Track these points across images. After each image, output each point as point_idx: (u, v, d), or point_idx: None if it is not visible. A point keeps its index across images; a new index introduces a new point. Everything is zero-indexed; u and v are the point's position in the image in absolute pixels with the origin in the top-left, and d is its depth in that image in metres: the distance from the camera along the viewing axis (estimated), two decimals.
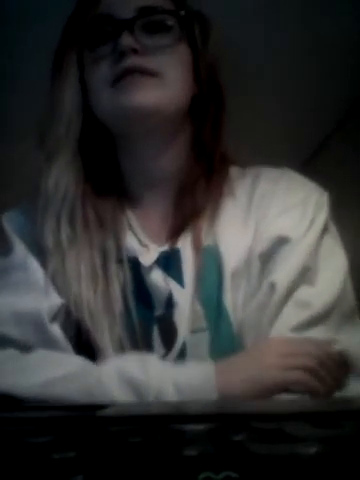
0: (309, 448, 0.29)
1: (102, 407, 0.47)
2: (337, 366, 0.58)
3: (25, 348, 0.65)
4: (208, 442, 0.31)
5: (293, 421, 0.36)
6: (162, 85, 0.69)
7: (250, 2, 0.82)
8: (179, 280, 0.69)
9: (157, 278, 0.70)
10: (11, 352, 0.64)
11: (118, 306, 0.67)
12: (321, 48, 0.90)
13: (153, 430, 0.34)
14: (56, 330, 0.65)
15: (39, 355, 0.63)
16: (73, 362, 0.62)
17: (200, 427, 0.34)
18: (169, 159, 0.74)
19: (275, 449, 0.29)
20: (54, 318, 0.66)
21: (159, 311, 0.69)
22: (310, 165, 1.13)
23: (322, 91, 0.99)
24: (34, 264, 0.69)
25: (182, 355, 0.67)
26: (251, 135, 0.74)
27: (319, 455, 0.28)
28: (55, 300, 0.67)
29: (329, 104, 1.02)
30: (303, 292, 0.65)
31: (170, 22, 0.71)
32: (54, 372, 0.59)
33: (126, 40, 0.67)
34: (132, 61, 0.68)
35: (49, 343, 0.65)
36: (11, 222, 0.74)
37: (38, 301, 0.66)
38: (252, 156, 0.77)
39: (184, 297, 0.68)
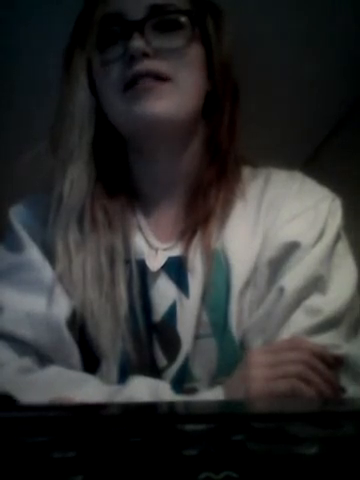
0: (309, 448, 0.29)
1: (102, 407, 0.47)
2: (328, 366, 0.57)
3: (42, 358, 0.65)
4: (208, 442, 0.31)
5: (293, 421, 0.36)
6: (175, 90, 0.67)
7: (251, 1, 0.82)
8: (185, 290, 0.68)
9: (162, 285, 0.69)
10: (28, 363, 0.64)
11: (123, 309, 0.66)
12: (322, 45, 0.90)
13: (153, 430, 0.34)
14: (69, 335, 0.65)
15: (56, 372, 0.62)
16: (91, 385, 0.61)
17: (200, 427, 0.34)
18: (182, 162, 0.73)
19: (275, 449, 0.29)
20: (67, 322, 0.66)
21: (158, 319, 0.68)
22: (311, 164, 1.13)
23: (324, 89, 0.99)
24: (47, 266, 0.69)
25: (185, 365, 0.66)
26: (252, 134, 0.73)
27: (319, 455, 0.28)
28: (68, 303, 0.67)
29: (331, 102, 1.02)
30: (314, 300, 0.64)
31: (182, 19, 0.69)
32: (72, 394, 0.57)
33: (137, 43, 0.65)
34: (143, 65, 0.66)
35: (62, 348, 0.65)
36: (20, 217, 0.73)
37: (53, 304, 0.66)
38: (253, 155, 0.77)
39: (188, 307, 0.67)
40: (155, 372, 0.66)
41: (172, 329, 0.67)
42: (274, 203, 0.71)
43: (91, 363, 0.66)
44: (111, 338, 0.65)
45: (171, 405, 0.53)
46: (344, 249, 0.69)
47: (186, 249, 0.70)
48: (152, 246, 0.71)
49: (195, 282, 0.68)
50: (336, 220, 0.69)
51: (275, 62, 0.92)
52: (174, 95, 0.67)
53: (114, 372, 0.66)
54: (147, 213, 0.74)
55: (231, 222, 0.71)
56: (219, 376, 0.65)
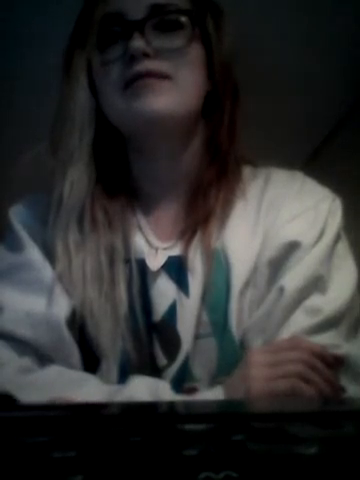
0: (309, 448, 0.29)
1: (102, 407, 0.47)
2: (328, 366, 0.58)
3: (42, 358, 0.65)
4: (208, 442, 0.31)
5: (293, 421, 0.36)
6: (175, 88, 0.67)
7: (251, 1, 0.82)
8: (185, 289, 0.68)
9: (162, 284, 0.69)
10: (27, 363, 0.64)
11: (123, 308, 0.66)
12: (323, 46, 0.90)
13: (153, 430, 0.34)
14: (69, 334, 0.65)
15: (56, 372, 0.62)
16: (91, 385, 0.61)
17: (200, 427, 0.34)
18: (182, 161, 0.73)
19: (275, 449, 0.29)
20: (67, 322, 0.66)
21: (158, 318, 0.68)
22: (311, 164, 1.13)
23: (324, 89, 0.99)
24: (47, 266, 0.69)
25: (185, 365, 0.66)
26: (252, 134, 0.73)
27: (319, 455, 0.28)
28: (68, 303, 0.67)
29: (331, 102, 1.02)
30: (314, 300, 0.64)
31: (183, 19, 0.69)
32: (72, 394, 0.57)
33: (137, 43, 0.65)
34: (144, 65, 0.66)
35: (62, 348, 0.65)
36: (20, 217, 0.73)
37: (53, 304, 0.66)
38: (253, 155, 0.77)
39: (188, 307, 0.67)
40: (155, 372, 0.66)
41: (172, 329, 0.67)
42: (274, 203, 0.71)
43: (91, 363, 0.66)
44: (111, 338, 0.65)
45: (171, 405, 0.53)
46: (344, 249, 0.69)
47: (186, 249, 0.70)
48: (152, 245, 0.72)
49: (195, 282, 0.68)
50: (336, 220, 0.69)
51: (275, 62, 0.92)
52: (174, 92, 0.67)
53: (114, 372, 0.66)
54: (147, 212, 0.75)
55: (231, 222, 0.71)
56: (219, 376, 0.65)
